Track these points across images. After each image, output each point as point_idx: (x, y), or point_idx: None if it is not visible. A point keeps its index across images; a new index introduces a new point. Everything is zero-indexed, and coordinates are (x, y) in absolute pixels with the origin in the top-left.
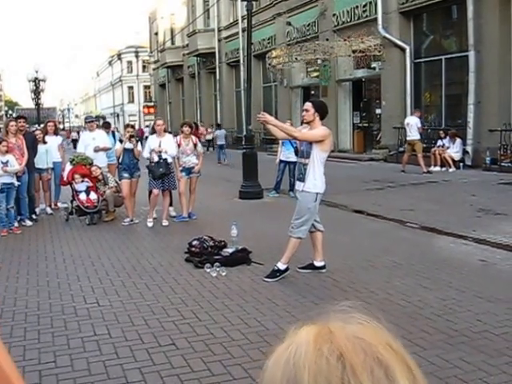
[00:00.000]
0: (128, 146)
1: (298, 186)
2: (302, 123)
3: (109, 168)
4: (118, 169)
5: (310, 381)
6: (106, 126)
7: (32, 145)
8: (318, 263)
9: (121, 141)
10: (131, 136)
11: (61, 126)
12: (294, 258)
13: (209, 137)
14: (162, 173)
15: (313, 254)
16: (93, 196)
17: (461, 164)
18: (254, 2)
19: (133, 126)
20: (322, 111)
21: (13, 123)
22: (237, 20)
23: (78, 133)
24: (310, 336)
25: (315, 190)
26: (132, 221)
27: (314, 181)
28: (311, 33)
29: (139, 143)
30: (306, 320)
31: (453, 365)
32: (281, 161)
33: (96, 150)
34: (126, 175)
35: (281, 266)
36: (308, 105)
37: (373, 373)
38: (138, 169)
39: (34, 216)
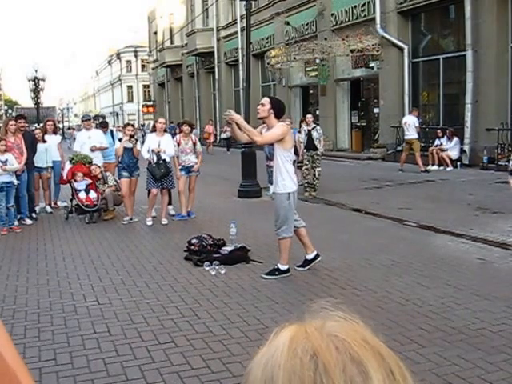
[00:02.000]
0: (127, 145)
1: (271, 188)
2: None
3: (108, 167)
4: (118, 167)
5: (284, 381)
6: (103, 125)
7: (31, 144)
8: (309, 256)
9: (120, 140)
10: (131, 136)
11: (60, 126)
12: (293, 257)
13: (224, 135)
14: (162, 174)
15: (303, 249)
16: (92, 195)
17: (458, 163)
18: (252, 2)
19: (133, 125)
20: (277, 110)
21: (12, 122)
22: (235, 19)
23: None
24: (287, 337)
25: (286, 190)
26: (131, 219)
27: (283, 181)
28: (309, 32)
29: (138, 142)
30: (287, 321)
31: (451, 362)
32: None
33: (92, 150)
34: (125, 174)
35: (281, 266)
36: (265, 100)
37: (345, 370)
38: (137, 168)
39: (33, 215)
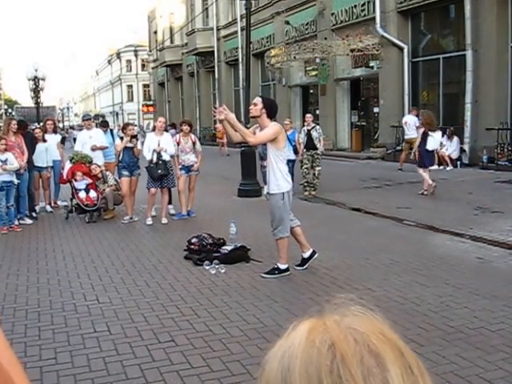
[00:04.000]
0: (128, 144)
1: (265, 188)
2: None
3: (108, 166)
4: (118, 167)
5: (300, 370)
6: (104, 124)
7: (30, 143)
8: (306, 254)
9: (121, 138)
10: (133, 136)
11: (60, 125)
12: (293, 256)
13: None
14: (160, 174)
15: (300, 248)
16: (92, 194)
17: (458, 162)
18: (252, 1)
19: (133, 125)
20: (270, 110)
21: (14, 122)
22: (235, 19)
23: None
24: (305, 329)
25: (280, 190)
26: (131, 219)
27: (277, 181)
28: (310, 32)
29: (138, 141)
30: (305, 315)
31: (449, 361)
32: None
33: (93, 149)
34: (125, 173)
35: (281, 265)
36: (258, 99)
37: (363, 361)
38: (137, 167)
39: (33, 214)
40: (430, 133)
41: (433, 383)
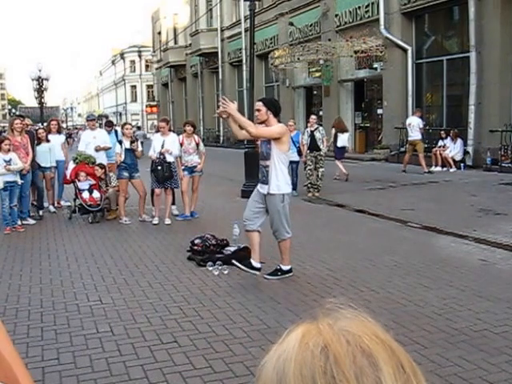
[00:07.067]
0: (129, 146)
1: (263, 188)
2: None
3: (111, 167)
4: (119, 167)
5: (295, 372)
6: (109, 124)
7: (31, 143)
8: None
9: (120, 142)
10: (132, 142)
11: (64, 125)
12: (295, 257)
13: None
14: (165, 177)
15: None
16: (96, 194)
17: (461, 164)
18: (256, 2)
19: (131, 124)
20: (274, 108)
21: (18, 121)
22: (239, 20)
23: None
24: (299, 333)
25: (280, 191)
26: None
27: (277, 182)
28: (313, 33)
29: (139, 143)
30: (301, 320)
31: (453, 363)
32: None
33: (97, 150)
34: (125, 174)
35: (283, 267)
36: (259, 104)
37: (355, 361)
38: (137, 170)
39: (40, 212)
40: (338, 134)
41: (426, 380)
